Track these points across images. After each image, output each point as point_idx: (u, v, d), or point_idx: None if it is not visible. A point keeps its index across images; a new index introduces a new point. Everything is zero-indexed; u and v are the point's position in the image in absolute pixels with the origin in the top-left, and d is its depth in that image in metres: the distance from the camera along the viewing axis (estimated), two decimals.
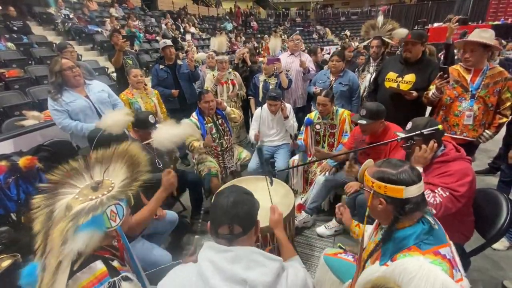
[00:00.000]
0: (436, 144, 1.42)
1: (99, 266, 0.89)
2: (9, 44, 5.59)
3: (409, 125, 1.53)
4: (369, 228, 1.24)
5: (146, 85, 3.04)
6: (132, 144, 1.13)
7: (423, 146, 1.43)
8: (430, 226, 0.91)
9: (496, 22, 10.96)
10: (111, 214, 0.91)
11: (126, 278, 0.92)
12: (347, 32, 13.20)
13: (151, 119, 2.08)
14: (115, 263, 0.96)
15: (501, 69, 2.02)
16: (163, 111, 3.11)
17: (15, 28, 6.16)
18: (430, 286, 0.76)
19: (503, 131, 2.32)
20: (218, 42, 3.74)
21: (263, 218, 1.00)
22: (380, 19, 3.01)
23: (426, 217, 0.94)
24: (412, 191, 0.91)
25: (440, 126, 1.40)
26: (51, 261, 0.83)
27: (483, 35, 1.92)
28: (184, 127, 1.81)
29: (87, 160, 1.02)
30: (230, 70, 3.58)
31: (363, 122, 1.95)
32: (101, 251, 0.94)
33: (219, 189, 1.01)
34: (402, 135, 1.50)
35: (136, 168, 1.05)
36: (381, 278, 0.82)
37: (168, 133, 1.69)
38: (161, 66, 3.38)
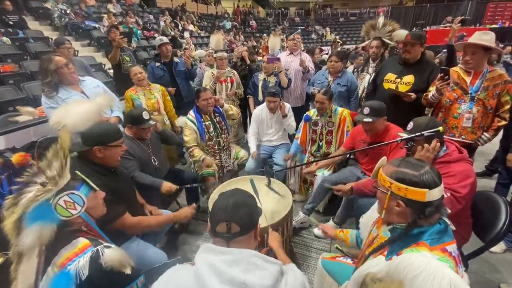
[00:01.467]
0: (438, 144, 1.41)
1: (81, 240, 0.96)
2: (5, 39, 5.50)
3: (410, 125, 1.52)
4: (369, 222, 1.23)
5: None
6: (63, 133, 1.17)
7: (426, 145, 1.41)
8: (446, 226, 0.88)
9: (494, 26, 11.07)
10: (66, 204, 0.98)
11: (109, 247, 0.97)
12: (333, 35, 13.18)
13: (145, 115, 2.05)
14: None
15: (501, 72, 2.02)
16: (170, 108, 3.07)
17: (11, 23, 6.07)
18: (438, 284, 0.73)
19: (500, 133, 2.32)
20: (216, 40, 3.74)
21: (261, 219, 0.98)
22: (381, 20, 3.00)
23: (443, 218, 0.90)
24: (434, 194, 0.86)
25: (440, 128, 1.40)
26: (11, 253, 0.95)
27: (483, 37, 1.91)
28: (96, 100, 1.61)
29: (40, 159, 1.08)
30: (229, 68, 3.56)
31: (369, 120, 1.92)
32: (81, 233, 1.01)
33: (218, 189, 1.01)
34: (404, 135, 1.49)
35: (61, 153, 1.09)
36: (387, 272, 0.80)
37: (75, 112, 1.47)
38: (157, 64, 3.34)
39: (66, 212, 0.98)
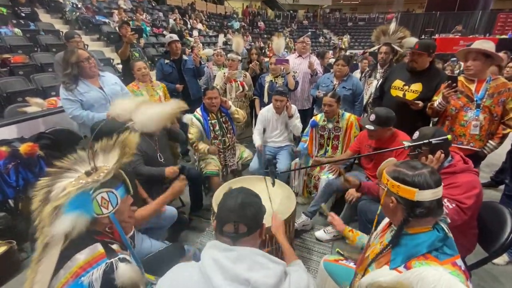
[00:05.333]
0: (443, 155, 1.41)
1: (98, 248, 0.91)
2: (16, 30, 5.57)
3: (416, 135, 1.52)
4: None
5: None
6: (132, 134, 1.12)
7: (430, 156, 1.42)
8: (445, 234, 0.90)
9: (504, 36, 10.96)
10: (102, 201, 0.93)
11: (124, 260, 0.92)
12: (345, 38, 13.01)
13: None
14: (115, 247, 0.98)
15: (504, 79, 2.03)
16: None
17: (23, 15, 6.15)
18: None
19: (507, 144, 2.30)
20: (236, 42, 3.83)
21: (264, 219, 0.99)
22: (392, 26, 2.99)
23: (440, 224, 0.93)
24: (424, 195, 0.89)
25: (449, 136, 1.39)
26: (39, 241, 0.87)
27: (484, 45, 1.94)
28: (164, 105, 1.66)
29: (93, 148, 1.03)
30: (241, 69, 3.57)
31: (371, 127, 1.94)
32: (100, 236, 0.97)
33: (227, 189, 1.00)
34: (409, 143, 1.49)
35: (123, 153, 1.04)
36: (396, 284, 0.81)
37: (147, 113, 1.54)
38: (166, 61, 3.38)
39: (99, 209, 0.93)
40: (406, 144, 1.51)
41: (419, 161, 1.45)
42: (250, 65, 3.78)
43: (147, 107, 1.53)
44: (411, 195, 0.90)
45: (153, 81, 2.99)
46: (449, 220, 0.97)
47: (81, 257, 0.88)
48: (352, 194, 2.05)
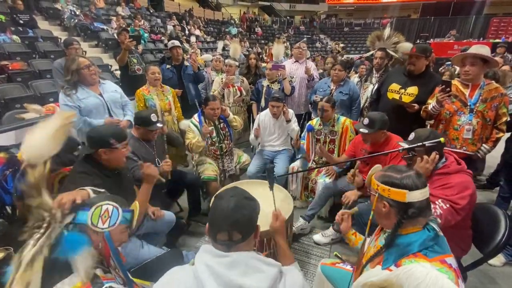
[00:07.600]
0: (438, 156, 1.44)
1: (80, 278, 0.86)
2: (14, 37, 5.59)
3: (411, 136, 1.55)
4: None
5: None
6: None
7: (425, 157, 1.44)
8: (435, 233, 0.93)
9: (497, 40, 11.13)
10: (104, 212, 0.90)
11: None
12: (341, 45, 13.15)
13: (153, 117, 2.09)
14: (98, 271, 0.92)
15: (497, 85, 2.07)
16: (178, 109, 3.15)
17: (22, 22, 6.17)
18: None
19: (501, 146, 2.33)
20: (233, 48, 3.89)
21: (262, 223, 0.99)
22: (387, 31, 3.04)
23: (431, 224, 0.96)
24: (414, 196, 0.93)
25: (442, 139, 1.42)
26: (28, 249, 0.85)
27: (480, 50, 1.98)
28: (55, 118, 1.25)
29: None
30: (238, 75, 3.60)
31: (365, 131, 1.96)
32: None
33: (219, 191, 1.00)
34: (404, 145, 1.52)
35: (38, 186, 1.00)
36: (386, 282, 0.82)
37: (38, 137, 1.15)
38: (167, 66, 3.43)
39: (96, 219, 0.89)
40: (403, 145, 1.54)
41: (412, 163, 1.50)
42: (250, 61, 3.83)
43: (31, 135, 1.17)
44: (402, 197, 0.94)
45: (164, 86, 3.04)
46: (439, 221, 1.00)
47: (63, 286, 0.83)
48: (348, 197, 2.07)
